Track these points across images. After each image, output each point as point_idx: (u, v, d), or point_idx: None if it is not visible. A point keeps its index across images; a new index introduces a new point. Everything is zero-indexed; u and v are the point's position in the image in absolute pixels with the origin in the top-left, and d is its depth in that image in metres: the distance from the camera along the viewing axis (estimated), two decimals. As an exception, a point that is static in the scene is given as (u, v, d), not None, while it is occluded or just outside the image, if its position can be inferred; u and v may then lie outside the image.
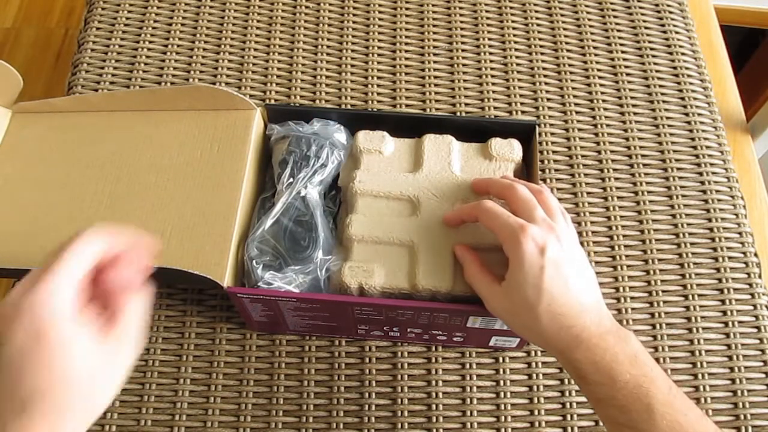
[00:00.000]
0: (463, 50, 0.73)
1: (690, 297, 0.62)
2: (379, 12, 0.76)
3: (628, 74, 0.72)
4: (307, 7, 0.76)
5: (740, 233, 0.65)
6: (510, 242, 0.44)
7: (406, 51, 0.73)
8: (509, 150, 0.55)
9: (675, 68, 0.73)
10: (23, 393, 0.32)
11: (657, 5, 0.77)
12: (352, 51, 0.73)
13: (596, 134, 0.69)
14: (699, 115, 0.70)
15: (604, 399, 0.42)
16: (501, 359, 0.59)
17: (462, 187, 0.53)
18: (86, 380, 0.33)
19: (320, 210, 0.54)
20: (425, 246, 0.50)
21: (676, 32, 0.75)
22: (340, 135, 0.56)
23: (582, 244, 0.63)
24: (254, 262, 0.51)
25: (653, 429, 0.40)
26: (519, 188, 0.47)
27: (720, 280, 0.62)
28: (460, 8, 0.76)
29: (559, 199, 0.65)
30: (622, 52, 0.74)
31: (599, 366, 0.42)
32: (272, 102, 0.69)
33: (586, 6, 0.76)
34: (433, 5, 0.76)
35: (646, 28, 0.75)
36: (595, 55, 0.73)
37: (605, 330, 0.43)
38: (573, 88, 0.71)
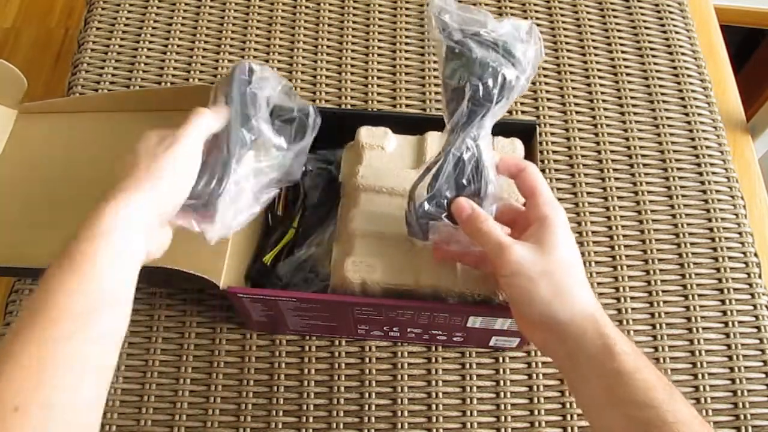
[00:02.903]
0: (463, 50, 0.73)
1: (690, 297, 0.62)
2: (379, 12, 0.76)
3: (628, 74, 0.72)
4: (307, 7, 0.76)
5: (740, 233, 0.65)
6: (552, 204, 0.43)
7: (406, 51, 0.73)
8: (511, 149, 0.55)
9: (675, 68, 0.73)
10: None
11: (657, 5, 0.77)
12: (352, 51, 0.73)
13: (596, 134, 0.69)
14: (699, 115, 0.70)
15: (630, 371, 0.38)
16: (501, 359, 0.59)
17: None
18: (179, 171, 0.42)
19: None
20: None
21: (676, 32, 0.75)
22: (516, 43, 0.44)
23: (582, 243, 0.63)
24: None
25: (674, 408, 0.37)
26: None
27: (720, 280, 0.62)
28: (460, 8, 0.76)
29: (559, 200, 0.65)
30: (622, 52, 0.74)
31: (624, 338, 0.40)
32: (272, 102, 0.69)
33: (586, 6, 0.76)
34: (433, 5, 0.76)
35: (646, 28, 0.75)
36: (595, 55, 0.73)
37: None
38: (573, 88, 0.71)
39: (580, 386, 0.41)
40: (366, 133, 0.55)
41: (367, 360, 0.59)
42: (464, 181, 0.45)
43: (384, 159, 0.55)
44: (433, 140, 0.55)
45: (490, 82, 0.43)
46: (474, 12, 0.44)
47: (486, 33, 0.43)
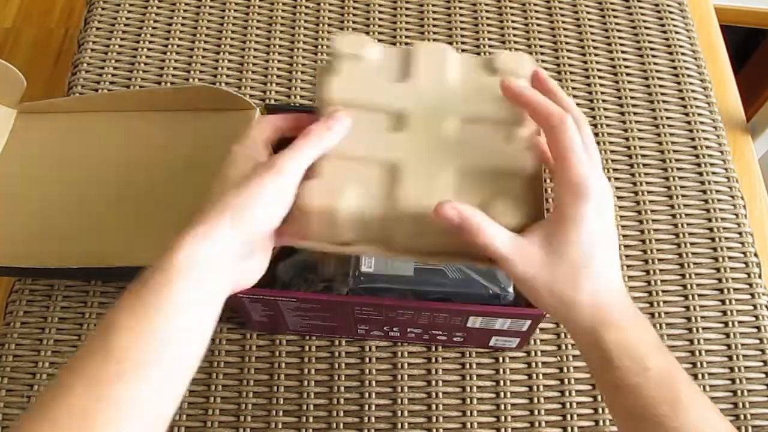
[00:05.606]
0: (463, 50, 0.73)
1: (690, 297, 0.62)
2: (379, 12, 0.76)
3: (628, 74, 0.72)
4: (307, 7, 0.76)
5: (740, 233, 0.65)
6: (578, 186, 0.38)
7: (406, 51, 0.73)
8: (518, 65, 0.45)
9: (675, 68, 0.73)
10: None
11: (657, 5, 0.77)
12: (352, 51, 0.73)
13: (596, 134, 0.69)
14: (699, 115, 0.70)
15: (630, 386, 0.37)
16: (501, 359, 0.59)
17: (459, 101, 0.44)
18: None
19: None
20: (413, 164, 0.42)
21: (676, 32, 0.75)
22: None
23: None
24: None
25: (679, 421, 0.36)
26: (586, 127, 0.43)
27: (720, 280, 0.62)
28: (460, 8, 0.76)
29: (559, 199, 0.65)
30: (622, 52, 0.74)
31: (630, 350, 0.38)
32: (272, 102, 0.69)
33: (586, 6, 0.76)
34: (433, 5, 0.76)
35: (646, 28, 0.75)
36: (595, 55, 0.73)
37: (633, 312, 0.39)
38: (573, 88, 0.71)
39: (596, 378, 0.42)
40: (342, 41, 0.45)
41: (367, 360, 0.59)
42: None
43: (363, 70, 0.45)
44: (424, 49, 0.46)
45: None
46: None
47: None
